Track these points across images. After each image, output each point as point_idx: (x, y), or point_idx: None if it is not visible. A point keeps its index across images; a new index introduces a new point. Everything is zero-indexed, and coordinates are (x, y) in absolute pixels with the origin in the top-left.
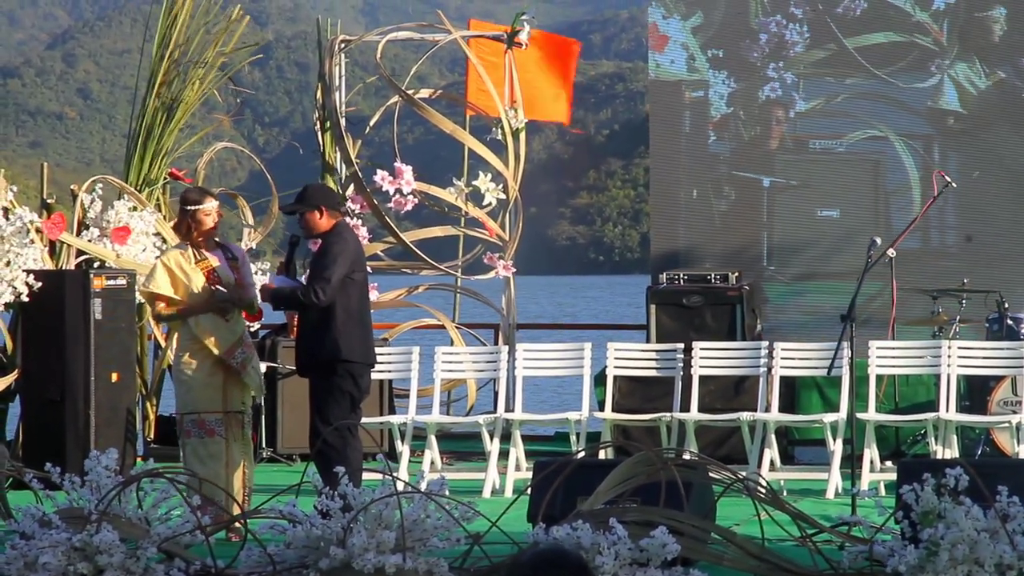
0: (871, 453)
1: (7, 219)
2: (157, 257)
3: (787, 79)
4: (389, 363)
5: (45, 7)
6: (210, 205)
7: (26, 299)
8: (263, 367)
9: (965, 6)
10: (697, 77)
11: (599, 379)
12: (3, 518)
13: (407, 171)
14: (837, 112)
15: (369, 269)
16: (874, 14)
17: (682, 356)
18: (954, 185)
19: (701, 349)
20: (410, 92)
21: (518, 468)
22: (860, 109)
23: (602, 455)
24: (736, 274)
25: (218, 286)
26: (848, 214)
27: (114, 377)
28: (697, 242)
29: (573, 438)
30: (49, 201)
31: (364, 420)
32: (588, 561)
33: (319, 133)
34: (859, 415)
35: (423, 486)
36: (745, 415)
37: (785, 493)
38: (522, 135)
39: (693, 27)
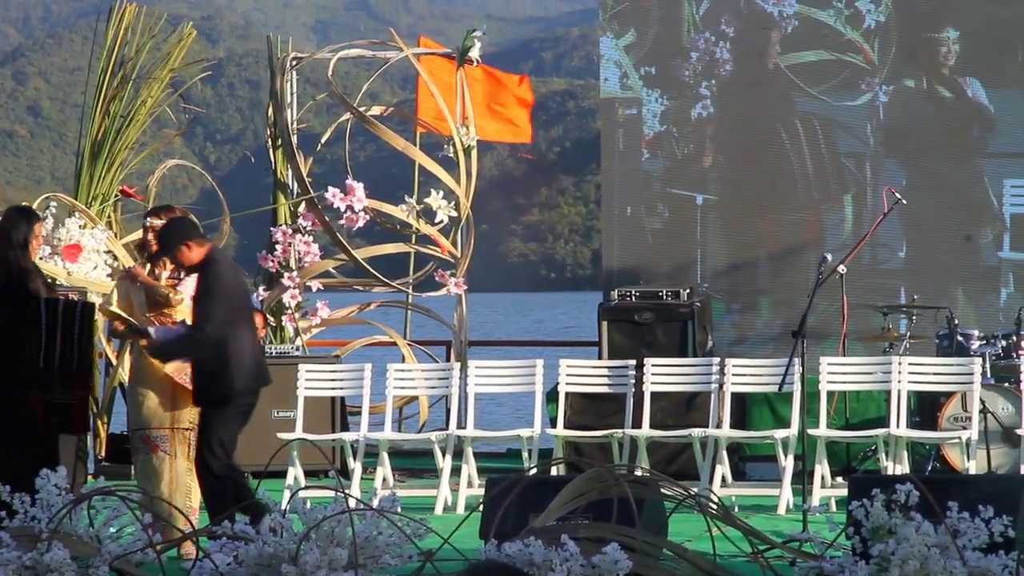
0: (822, 469)
1: None
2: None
3: (718, 96)
4: (341, 380)
5: None
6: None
7: None
8: None
9: (897, 25)
10: (631, 95)
11: (551, 396)
12: None
13: (359, 188)
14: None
15: (320, 285)
16: (804, 32)
17: (634, 372)
18: (904, 202)
19: (653, 365)
20: (361, 109)
21: (470, 485)
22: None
23: (554, 472)
24: (687, 291)
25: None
26: (783, 231)
27: None
28: (639, 260)
29: (525, 455)
30: None
31: (316, 437)
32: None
33: (271, 150)
34: (810, 431)
35: (375, 503)
36: (696, 431)
37: (737, 509)
38: (473, 152)
39: (626, 45)
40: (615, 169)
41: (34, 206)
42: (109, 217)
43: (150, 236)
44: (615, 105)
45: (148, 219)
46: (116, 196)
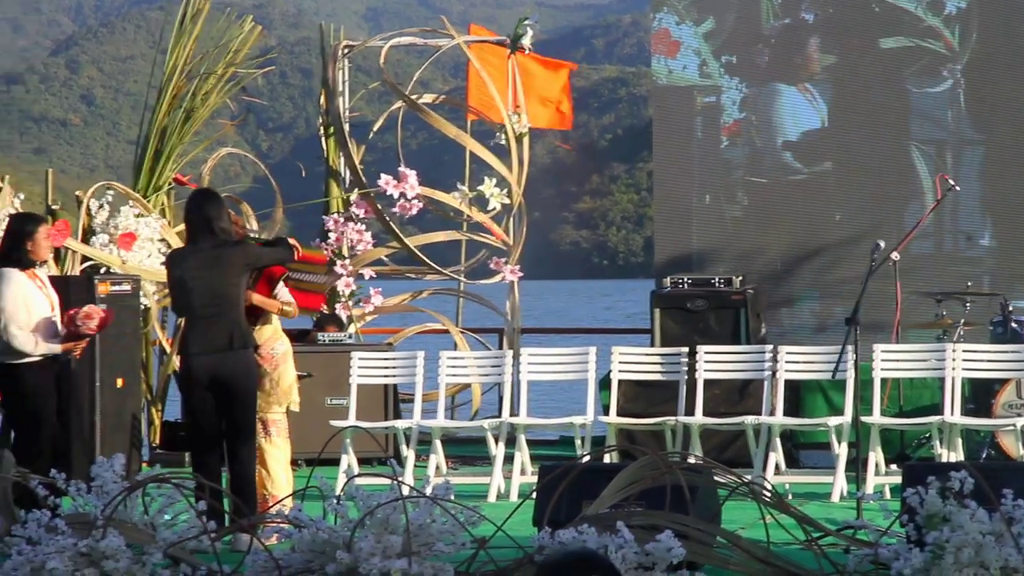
0: (876, 456)
1: None
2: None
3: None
4: (394, 368)
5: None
6: None
7: None
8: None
9: (978, 11)
10: (709, 83)
11: (604, 383)
12: (9, 524)
13: (411, 175)
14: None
15: (373, 273)
16: (885, 19)
17: (686, 360)
18: (957, 188)
19: (705, 353)
20: (413, 97)
21: (523, 472)
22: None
23: (607, 459)
24: (740, 278)
25: None
26: (858, 220)
27: (119, 383)
28: (703, 246)
29: (578, 442)
30: (54, 207)
31: (369, 425)
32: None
33: (323, 138)
34: (864, 418)
35: (428, 490)
36: (750, 419)
37: (790, 496)
38: (525, 140)
39: (705, 32)
40: (692, 156)
41: (88, 194)
42: (163, 205)
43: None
44: (693, 93)
45: None
46: (170, 185)
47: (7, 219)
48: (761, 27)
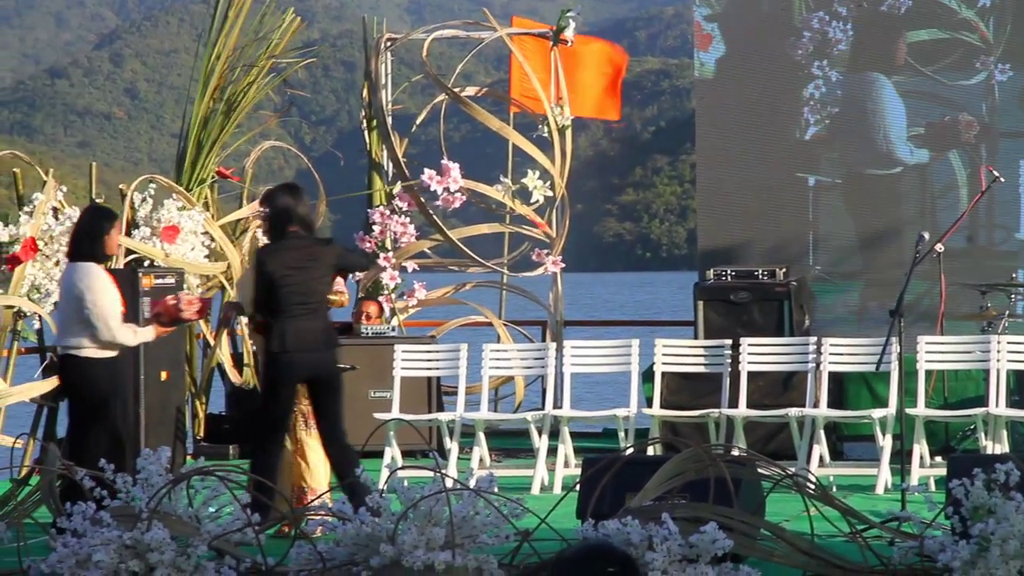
0: (920, 448)
1: (57, 219)
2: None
3: (831, 77)
4: (437, 360)
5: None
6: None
7: None
8: None
9: (1013, 3)
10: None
11: (647, 375)
12: (55, 517)
13: (454, 169)
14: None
15: (416, 266)
16: (919, 11)
17: (730, 352)
18: (1002, 180)
19: (749, 345)
20: (456, 90)
21: (567, 465)
22: (906, 107)
23: (651, 451)
24: (783, 270)
25: None
26: (893, 214)
27: (164, 376)
28: (744, 239)
29: (621, 435)
30: (98, 201)
31: (413, 417)
32: (637, 556)
33: (366, 131)
34: (908, 410)
35: (472, 483)
36: (794, 411)
37: (834, 489)
38: (568, 132)
39: None
40: (726, 148)
41: (132, 188)
42: (206, 198)
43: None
44: (724, 85)
45: (262, 206)
46: (213, 177)
47: (80, 212)
48: (793, 19)
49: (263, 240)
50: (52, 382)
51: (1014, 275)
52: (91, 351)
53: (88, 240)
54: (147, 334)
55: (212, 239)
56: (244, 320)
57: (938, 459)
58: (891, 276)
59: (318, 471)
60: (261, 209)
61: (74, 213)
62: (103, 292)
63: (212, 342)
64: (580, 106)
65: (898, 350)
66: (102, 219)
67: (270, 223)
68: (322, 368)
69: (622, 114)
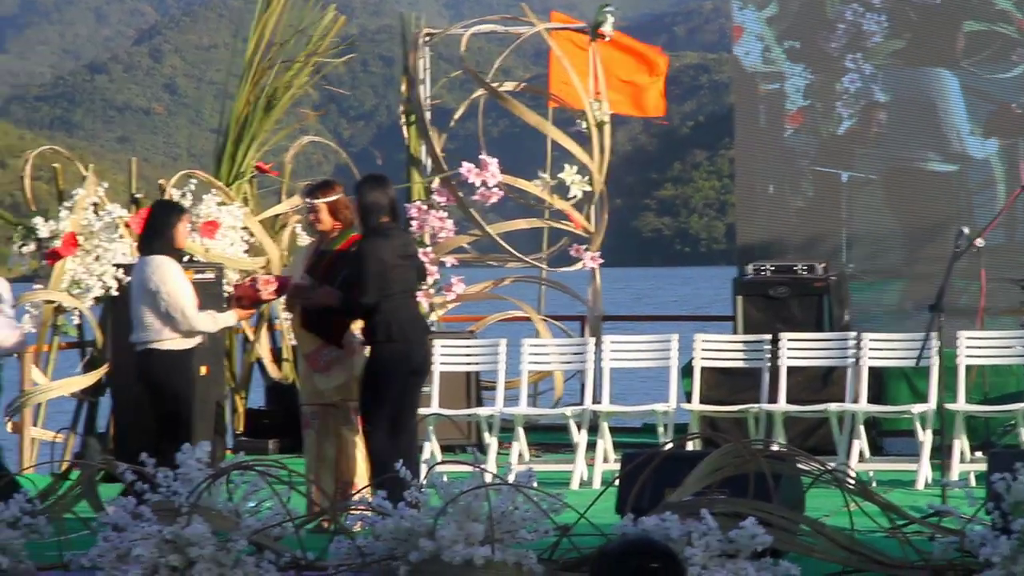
0: (961, 443)
1: (96, 215)
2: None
3: (865, 70)
4: (476, 355)
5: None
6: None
7: (115, 293)
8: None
9: None
10: (773, 69)
11: (686, 370)
12: (95, 511)
13: (493, 163)
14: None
15: (455, 261)
16: (955, 2)
17: (769, 347)
18: None
19: (789, 340)
20: (494, 85)
21: (606, 460)
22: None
23: (690, 447)
24: (823, 265)
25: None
26: (928, 211)
27: (203, 370)
28: (781, 234)
29: (660, 430)
30: (138, 196)
31: (452, 412)
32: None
33: (404, 127)
34: (948, 405)
35: (511, 478)
36: (833, 406)
37: (874, 484)
38: (607, 127)
39: (768, 17)
40: (759, 144)
41: (171, 183)
42: (245, 193)
43: (312, 216)
44: (755, 79)
45: (308, 199)
46: (252, 173)
47: (150, 207)
48: (826, 11)
49: (302, 235)
50: (92, 377)
51: None
52: (172, 343)
53: (157, 234)
54: (228, 319)
55: (251, 234)
56: (284, 315)
57: (978, 454)
58: (930, 271)
59: (359, 466)
60: (328, 200)
61: (114, 208)
62: (175, 283)
63: (251, 337)
64: (620, 104)
65: (938, 345)
66: (170, 212)
67: (363, 213)
68: (425, 359)
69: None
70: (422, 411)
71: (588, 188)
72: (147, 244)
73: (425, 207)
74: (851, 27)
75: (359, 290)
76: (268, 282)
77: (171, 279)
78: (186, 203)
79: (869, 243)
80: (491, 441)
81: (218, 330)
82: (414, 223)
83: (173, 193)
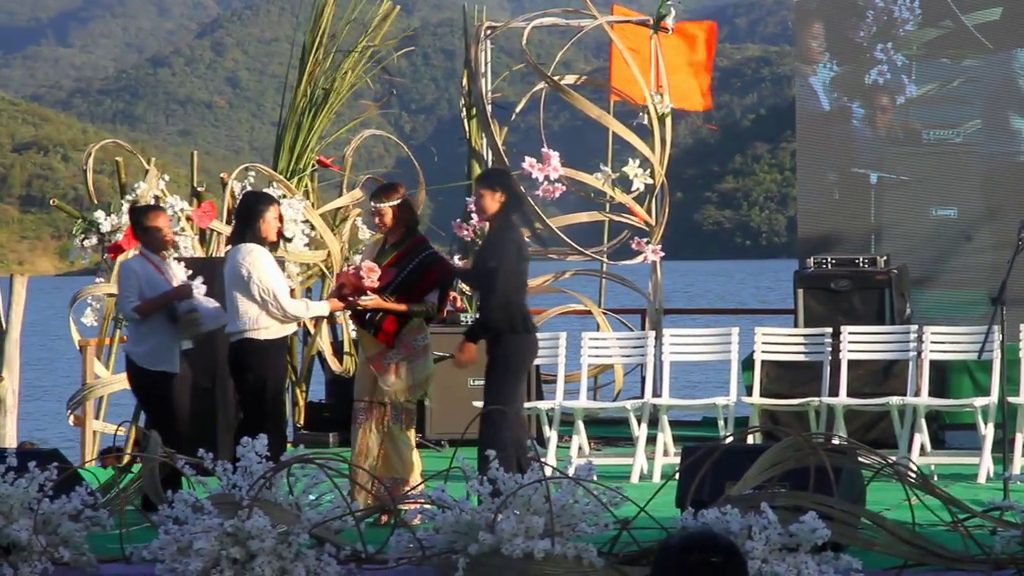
0: (1023, 437)
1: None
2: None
3: (897, 61)
4: (532, 352)
5: None
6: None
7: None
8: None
9: None
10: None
11: (746, 364)
12: (156, 504)
13: (554, 157)
14: (953, 98)
15: None
16: None
17: (830, 340)
18: None
19: (850, 333)
20: (556, 78)
21: (666, 453)
22: (979, 94)
23: (750, 440)
24: (884, 258)
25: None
26: (966, 213)
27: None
28: (845, 226)
29: (721, 423)
30: (199, 189)
31: None
32: (738, 545)
33: (465, 120)
34: (1010, 399)
35: (571, 471)
36: (895, 399)
37: (936, 478)
38: (668, 120)
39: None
40: (832, 136)
41: (233, 176)
42: (306, 187)
43: (377, 219)
44: (809, 71)
45: (374, 203)
46: (313, 166)
47: (240, 198)
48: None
49: (363, 228)
50: None
51: None
52: (267, 332)
53: (246, 223)
54: (322, 308)
55: (312, 227)
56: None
57: None
58: (991, 262)
59: (411, 463)
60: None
61: (176, 201)
62: (265, 269)
63: (312, 330)
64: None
65: (1000, 338)
66: (257, 202)
67: (508, 206)
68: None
69: (722, 102)
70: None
71: (649, 181)
72: (238, 234)
73: None
74: (881, 14)
75: (500, 282)
76: (372, 270)
77: (260, 265)
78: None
79: (929, 235)
80: (551, 434)
81: (310, 318)
82: (474, 217)
83: (235, 186)
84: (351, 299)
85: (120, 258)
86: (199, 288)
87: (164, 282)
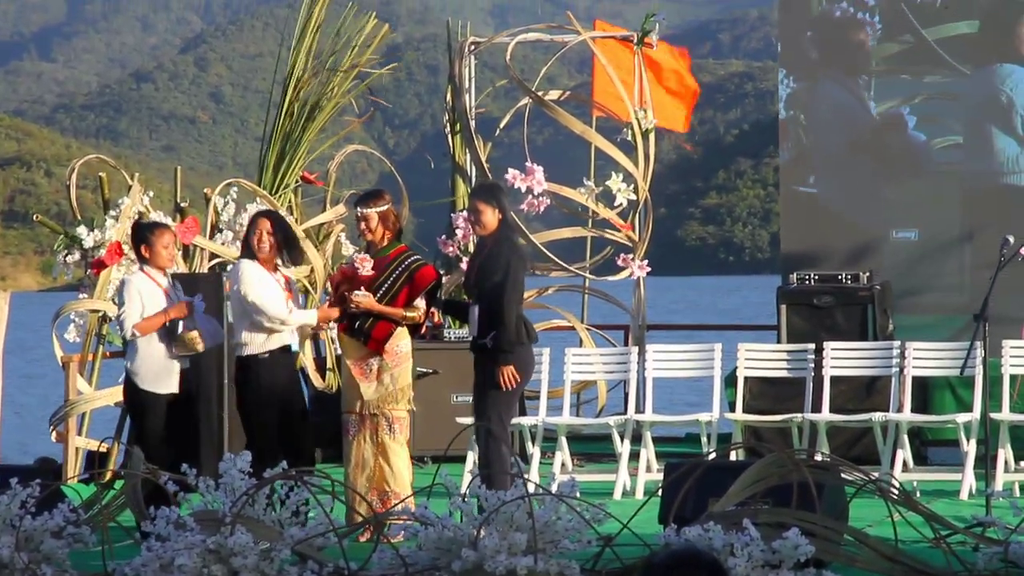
0: (1005, 453)
1: None
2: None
3: (857, 78)
4: (534, 365)
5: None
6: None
7: None
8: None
9: None
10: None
11: (729, 380)
12: (139, 520)
13: (539, 171)
14: (915, 116)
15: None
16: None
17: (813, 356)
18: None
19: (832, 349)
20: (539, 93)
21: (649, 469)
22: (942, 111)
23: (733, 456)
24: (867, 274)
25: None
26: (928, 234)
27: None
28: (828, 243)
29: (704, 439)
30: (183, 205)
31: None
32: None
33: (449, 135)
34: (993, 415)
35: (554, 488)
36: (877, 415)
37: (918, 494)
38: (651, 135)
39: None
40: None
41: (216, 192)
42: (290, 202)
43: (362, 226)
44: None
45: (360, 209)
46: (296, 182)
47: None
48: (810, 10)
49: (347, 244)
50: None
51: None
52: (267, 344)
53: (244, 240)
54: (308, 316)
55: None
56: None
57: (1023, 464)
58: (973, 279)
59: (402, 475)
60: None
61: (159, 217)
62: (249, 283)
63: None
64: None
65: (982, 354)
66: (254, 218)
67: (504, 219)
68: None
69: (705, 117)
70: (465, 420)
71: (633, 197)
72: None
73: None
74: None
75: (507, 294)
76: (364, 259)
77: (246, 279)
78: (230, 211)
79: (915, 250)
80: (534, 451)
81: (296, 326)
82: (459, 232)
83: (218, 202)
84: (348, 296)
85: (105, 273)
86: (199, 306)
87: (165, 300)
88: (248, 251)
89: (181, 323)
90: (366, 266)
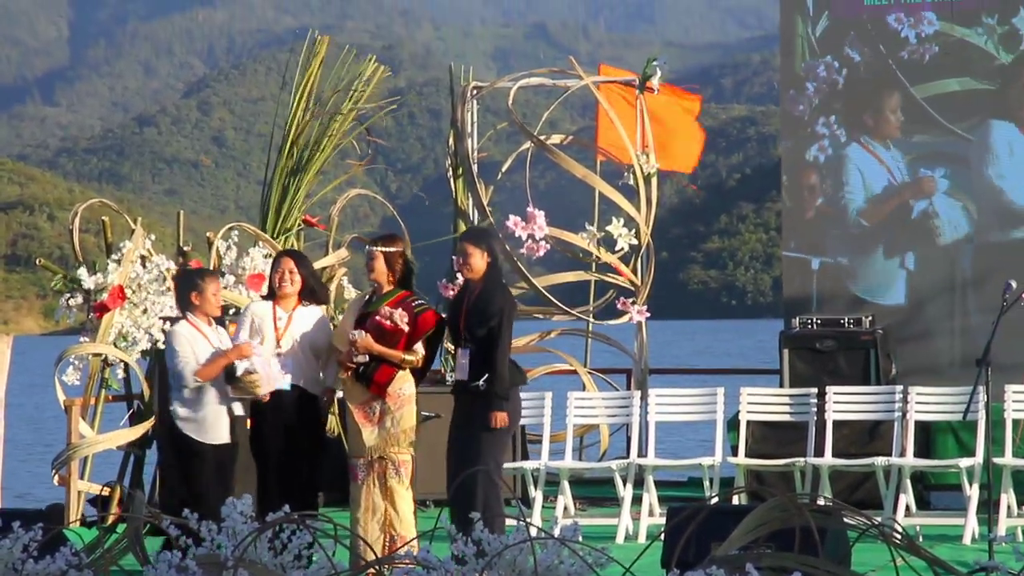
0: (1008, 498)
1: (144, 267)
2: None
3: (840, 136)
4: (522, 408)
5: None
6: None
7: (162, 346)
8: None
9: None
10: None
11: (732, 424)
12: (141, 564)
13: (540, 216)
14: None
15: None
16: (948, 57)
17: (816, 401)
18: None
19: (835, 394)
20: (542, 137)
21: (651, 514)
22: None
23: (736, 501)
24: (869, 318)
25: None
26: (982, 259)
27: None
28: (831, 287)
29: (706, 483)
30: (185, 248)
31: None
32: None
33: (451, 179)
34: (996, 460)
35: (556, 532)
36: (880, 460)
37: (921, 539)
38: (654, 179)
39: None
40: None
41: (219, 235)
42: (293, 246)
43: (368, 264)
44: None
45: (369, 246)
46: (299, 226)
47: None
48: (794, 66)
49: (349, 288)
50: (139, 430)
51: None
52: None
53: (268, 281)
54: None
55: None
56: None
57: None
58: (975, 324)
59: (407, 519)
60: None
61: (162, 261)
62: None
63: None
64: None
65: (985, 399)
66: (276, 258)
67: (495, 262)
68: None
69: (707, 161)
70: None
71: (635, 241)
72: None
73: None
74: (823, 85)
75: (503, 339)
76: (403, 315)
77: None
78: (232, 255)
79: (918, 295)
80: (536, 494)
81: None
82: (460, 276)
83: (220, 245)
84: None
85: (107, 317)
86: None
87: (210, 348)
88: (270, 291)
89: (240, 365)
90: (403, 319)
